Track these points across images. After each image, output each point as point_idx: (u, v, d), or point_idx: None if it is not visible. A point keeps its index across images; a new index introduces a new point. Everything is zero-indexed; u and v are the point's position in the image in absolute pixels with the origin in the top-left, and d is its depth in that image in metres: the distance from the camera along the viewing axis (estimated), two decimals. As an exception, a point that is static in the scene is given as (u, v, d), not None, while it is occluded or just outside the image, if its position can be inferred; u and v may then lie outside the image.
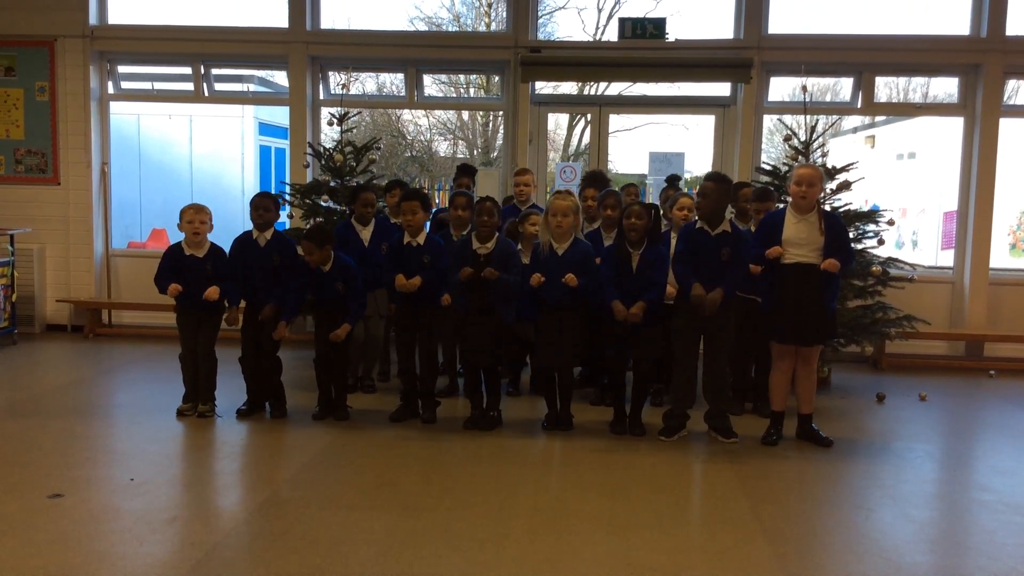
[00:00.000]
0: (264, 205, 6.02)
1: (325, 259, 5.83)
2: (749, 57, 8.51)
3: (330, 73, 9.33)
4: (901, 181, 12.90)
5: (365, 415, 6.13)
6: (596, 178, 7.11)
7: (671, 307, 5.72)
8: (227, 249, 6.06)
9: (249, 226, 6.13)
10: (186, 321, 5.98)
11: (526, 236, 6.21)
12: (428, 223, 6.10)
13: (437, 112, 18.06)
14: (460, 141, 19.67)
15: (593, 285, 5.64)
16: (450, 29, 14.13)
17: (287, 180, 8.55)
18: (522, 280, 5.69)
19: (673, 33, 8.72)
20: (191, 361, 6.02)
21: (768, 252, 5.42)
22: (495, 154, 17.47)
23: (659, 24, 8.74)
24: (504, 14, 9.33)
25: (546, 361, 5.80)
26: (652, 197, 9.29)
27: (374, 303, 6.56)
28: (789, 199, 5.58)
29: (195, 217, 5.85)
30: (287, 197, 8.01)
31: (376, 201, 6.75)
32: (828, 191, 7.04)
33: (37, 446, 5.31)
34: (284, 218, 7.97)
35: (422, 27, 12.97)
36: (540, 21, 9.58)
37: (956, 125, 8.93)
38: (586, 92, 11.54)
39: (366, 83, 12.20)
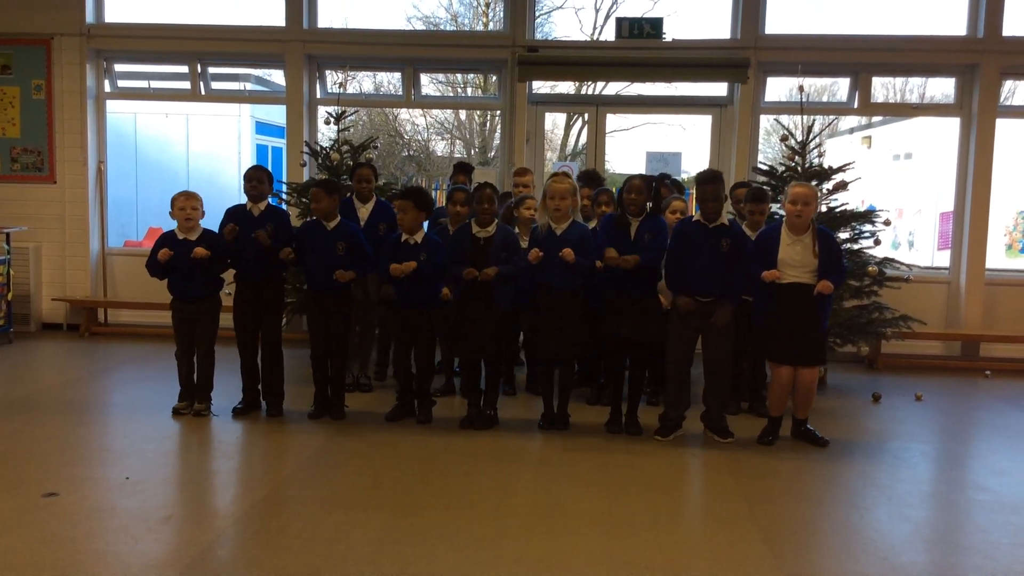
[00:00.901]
0: (257, 177, 6.02)
1: (331, 211, 5.88)
2: (746, 57, 8.52)
3: (327, 72, 9.33)
4: (898, 181, 12.91)
5: (361, 415, 6.12)
6: (591, 177, 7.15)
7: (656, 317, 5.72)
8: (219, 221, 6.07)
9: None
10: (181, 317, 5.99)
11: (522, 220, 6.24)
12: (426, 223, 6.09)
13: (434, 111, 18.05)
14: (457, 140, 19.66)
15: (591, 266, 5.66)
16: (448, 28, 14.12)
17: (284, 179, 8.55)
18: (524, 266, 5.71)
19: (670, 33, 8.73)
20: (187, 359, 6.03)
21: (765, 275, 5.41)
22: (492, 153, 17.47)
23: (656, 24, 8.74)
24: (502, 14, 9.33)
25: (546, 354, 5.81)
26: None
27: (363, 288, 6.55)
28: (783, 215, 5.58)
29: (186, 204, 5.90)
30: (283, 196, 8.03)
31: (372, 177, 6.76)
32: (825, 191, 7.05)
33: (32, 445, 5.30)
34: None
35: (420, 26, 12.97)
36: (537, 21, 9.58)
37: (953, 126, 8.94)
38: (583, 92, 11.54)
39: (363, 82, 12.21)
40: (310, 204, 5.88)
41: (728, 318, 5.46)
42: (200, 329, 5.99)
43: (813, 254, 5.35)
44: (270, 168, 7.32)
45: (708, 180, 5.50)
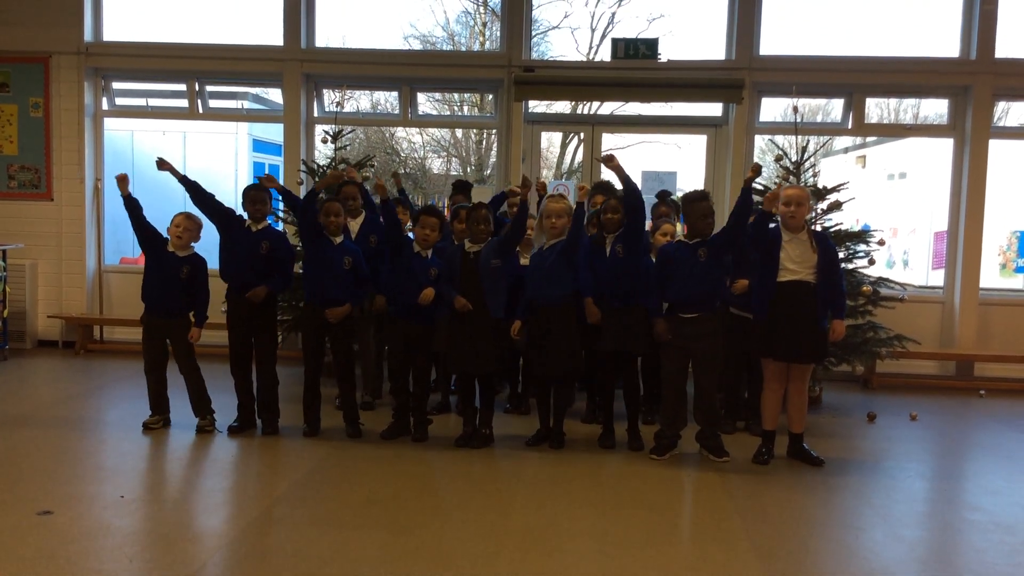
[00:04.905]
0: (260, 198, 6.11)
1: (342, 227, 6.01)
2: (740, 78, 8.58)
3: (324, 91, 9.37)
4: (892, 201, 12.94)
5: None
6: (604, 187, 7.26)
7: (642, 328, 5.78)
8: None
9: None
10: (151, 333, 6.05)
11: (523, 242, 6.31)
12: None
13: (431, 129, 18.11)
14: (454, 158, 19.70)
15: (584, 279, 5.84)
16: (444, 48, 14.19)
17: (277, 196, 8.55)
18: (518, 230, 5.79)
19: (665, 54, 8.79)
20: (156, 373, 6.09)
21: (735, 287, 5.80)
22: (488, 171, 17.50)
23: (652, 45, 8.80)
24: (498, 33, 9.39)
25: (540, 372, 5.83)
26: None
27: (361, 305, 6.57)
28: (779, 219, 5.64)
29: (183, 223, 6.04)
30: (280, 214, 8.05)
31: (358, 194, 6.82)
32: (819, 211, 7.09)
33: (27, 462, 5.29)
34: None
35: (416, 46, 13.03)
36: (534, 40, 9.62)
37: (946, 146, 9.00)
38: (579, 111, 11.59)
39: (360, 100, 12.24)
40: (325, 216, 5.92)
41: (662, 331, 5.56)
42: (175, 346, 6.05)
43: (812, 250, 5.44)
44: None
45: (702, 198, 5.62)
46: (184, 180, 6.08)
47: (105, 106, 9.40)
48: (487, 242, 5.79)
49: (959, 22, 8.66)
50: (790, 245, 5.46)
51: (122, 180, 6.05)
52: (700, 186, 8.97)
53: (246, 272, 5.99)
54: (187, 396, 6.12)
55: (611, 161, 5.62)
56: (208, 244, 6.24)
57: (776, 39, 8.81)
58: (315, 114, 9.31)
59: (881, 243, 7.35)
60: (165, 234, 6.08)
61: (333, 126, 8.26)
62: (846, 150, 14.41)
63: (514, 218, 5.83)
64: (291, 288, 6.57)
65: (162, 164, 6.12)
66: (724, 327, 5.77)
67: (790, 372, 5.61)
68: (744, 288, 5.88)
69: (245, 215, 6.12)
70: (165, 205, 6.83)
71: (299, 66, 9.00)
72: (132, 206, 6.00)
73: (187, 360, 6.06)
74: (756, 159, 9.30)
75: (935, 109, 9.68)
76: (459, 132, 18.77)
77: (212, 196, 6.11)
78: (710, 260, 5.49)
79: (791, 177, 7.28)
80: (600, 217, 5.88)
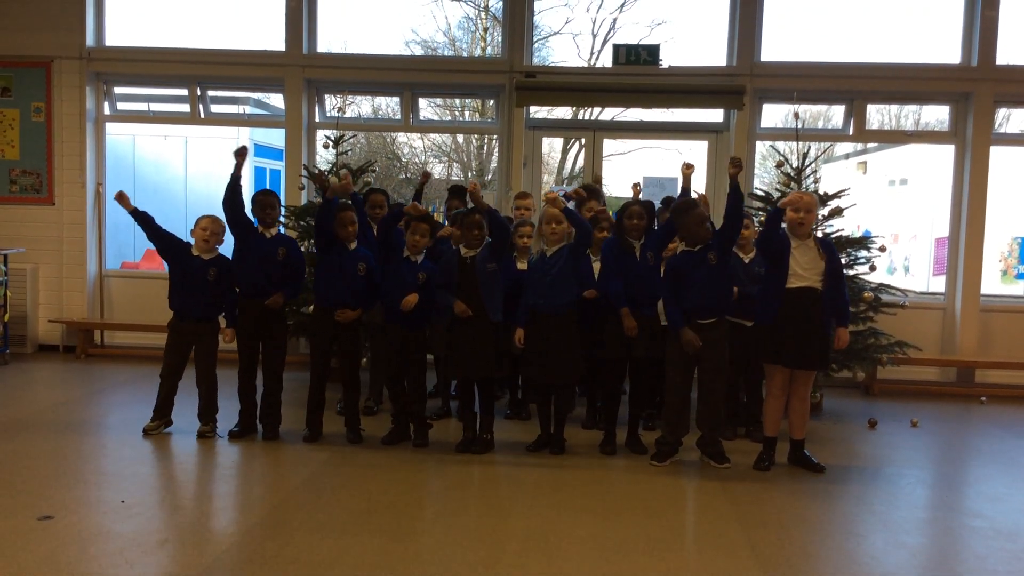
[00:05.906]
0: (270, 203, 6.10)
1: (355, 233, 5.99)
2: (741, 84, 8.59)
3: (326, 96, 9.38)
4: (893, 207, 12.95)
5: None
6: (590, 190, 7.26)
7: (665, 335, 5.76)
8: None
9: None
10: (179, 340, 6.03)
11: (520, 248, 6.31)
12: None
13: (432, 135, 18.14)
14: (455, 163, 19.71)
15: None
16: (446, 53, 14.21)
17: (282, 202, 8.57)
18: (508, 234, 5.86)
19: (667, 60, 8.80)
20: (172, 379, 6.07)
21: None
22: (490, 176, 17.51)
23: (653, 51, 8.82)
24: (500, 39, 9.40)
25: (542, 380, 5.82)
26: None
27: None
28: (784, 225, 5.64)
29: (209, 226, 6.01)
30: (281, 219, 8.05)
31: (385, 202, 6.81)
32: (820, 217, 7.09)
33: (27, 467, 5.29)
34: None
35: (418, 51, 13.04)
36: (535, 46, 9.65)
37: (947, 152, 9.00)
38: (580, 117, 11.60)
39: (362, 106, 12.27)
40: (343, 227, 5.91)
41: (692, 340, 5.48)
42: (199, 350, 6.03)
43: (819, 256, 5.45)
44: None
45: (694, 206, 5.61)
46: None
47: (107, 111, 9.41)
48: (482, 246, 5.80)
49: (960, 29, 8.67)
50: (798, 251, 5.47)
51: (121, 198, 6.01)
52: (701, 191, 8.95)
53: (261, 279, 5.98)
54: (193, 400, 6.11)
55: (689, 169, 5.93)
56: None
57: (777, 45, 8.83)
58: (316, 119, 9.32)
59: (882, 249, 7.36)
60: (187, 238, 6.07)
61: (334, 131, 8.27)
62: (847, 156, 14.43)
63: (491, 223, 5.79)
64: (299, 294, 6.55)
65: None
66: (727, 338, 5.75)
67: (792, 379, 5.60)
68: (735, 295, 5.86)
69: (255, 220, 6.09)
70: (166, 208, 6.86)
71: (301, 71, 9.02)
72: (142, 219, 5.97)
73: (208, 366, 6.05)
74: (757, 165, 9.32)
75: (936, 116, 9.72)
76: (460, 137, 18.78)
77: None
78: (721, 262, 5.50)
79: (792, 183, 7.29)
80: (624, 223, 5.84)
